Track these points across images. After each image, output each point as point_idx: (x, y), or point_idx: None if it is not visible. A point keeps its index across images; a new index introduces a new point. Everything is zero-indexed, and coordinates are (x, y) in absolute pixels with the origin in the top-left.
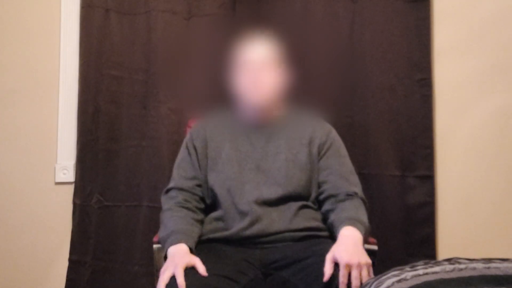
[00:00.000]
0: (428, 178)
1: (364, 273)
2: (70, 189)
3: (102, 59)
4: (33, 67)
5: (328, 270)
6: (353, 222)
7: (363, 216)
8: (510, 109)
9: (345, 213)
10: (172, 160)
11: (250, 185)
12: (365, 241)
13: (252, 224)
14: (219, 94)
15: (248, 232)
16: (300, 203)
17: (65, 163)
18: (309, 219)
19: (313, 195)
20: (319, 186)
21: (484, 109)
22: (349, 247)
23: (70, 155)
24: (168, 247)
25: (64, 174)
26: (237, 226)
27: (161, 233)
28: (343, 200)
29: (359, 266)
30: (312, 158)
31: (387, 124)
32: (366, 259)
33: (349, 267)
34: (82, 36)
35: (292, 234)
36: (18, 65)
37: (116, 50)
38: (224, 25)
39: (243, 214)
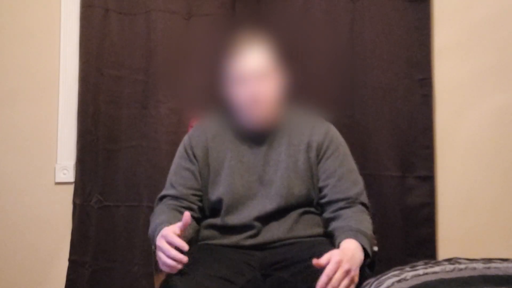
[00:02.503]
0: (428, 179)
1: (345, 282)
2: (70, 189)
3: (102, 59)
4: (33, 67)
5: (322, 261)
6: (355, 234)
7: (366, 225)
8: (510, 109)
9: (347, 222)
10: (172, 161)
11: (253, 201)
12: (368, 256)
13: (251, 237)
14: (218, 95)
15: (247, 243)
16: (301, 210)
17: (65, 163)
18: (311, 225)
19: (315, 200)
20: (320, 190)
21: (484, 109)
22: (347, 254)
23: (70, 155)
24: (157, 236)
25: (64, 174)
26: (235, 238)
27: (150, 232)
28: (343, 208)
29: (346, 272)
30: (310, 163)
31: (387, 124)
32: (355, 272)
33: (338, 265)
34: (82, 36)
35: (292, 241)
36: (18, 65)
37: (116, 50)
38: (224, 25)
39: (243, 228)
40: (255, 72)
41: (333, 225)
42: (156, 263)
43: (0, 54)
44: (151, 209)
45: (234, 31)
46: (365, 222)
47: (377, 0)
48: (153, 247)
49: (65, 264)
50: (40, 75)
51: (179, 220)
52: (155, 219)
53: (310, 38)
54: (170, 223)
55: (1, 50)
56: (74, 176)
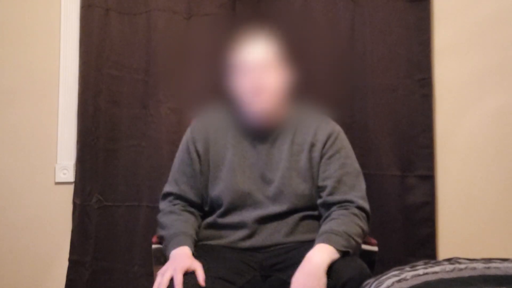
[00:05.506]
0: (428, 178)
1: None
2: (70, 189)
3: (102, 59)
4: (33, 67)
5: None
6: (328, 236)
7: (348, 226)
8: (510, 109)
9: (329, 225)
10: (172, 160)
11: (254, 199)
12: (352, 248)
13: (249, 237)
14: (219, 93)
15: (245, 244)
16: (301, 214)
17: (65, 163)
18: (312, 231)
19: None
20: (318, 191)
21: (484, 109)
22: (305, 279)
23: (70, 155)
24: (172, 248)
25: (64, 174)
26: (232, 237)
27: (163, 233)
28: (335, 211)
29: None
30: (312, 163)
31: (387, 124)
32: (318, 282)
33: None
34: (82, 36)
35: (290, 246)
36: (18, 65)
37: (116, 50)
38: (224, 25)
39: (241, 226)
40: (258, 62)
41: (320, 229)
42: (156, 262)
43: (0, 54)
44: (151, 209)
45: (234, 30)
46: (349, 224)
47: (377, 0)
48: (166, 254)
49: (65, 264)
50: (40, 75)
51: (192, 225)
52: (171, 223)
53: (310, 38)
54: (188, 236)
55: (1, 50)
56: (74, 176)
